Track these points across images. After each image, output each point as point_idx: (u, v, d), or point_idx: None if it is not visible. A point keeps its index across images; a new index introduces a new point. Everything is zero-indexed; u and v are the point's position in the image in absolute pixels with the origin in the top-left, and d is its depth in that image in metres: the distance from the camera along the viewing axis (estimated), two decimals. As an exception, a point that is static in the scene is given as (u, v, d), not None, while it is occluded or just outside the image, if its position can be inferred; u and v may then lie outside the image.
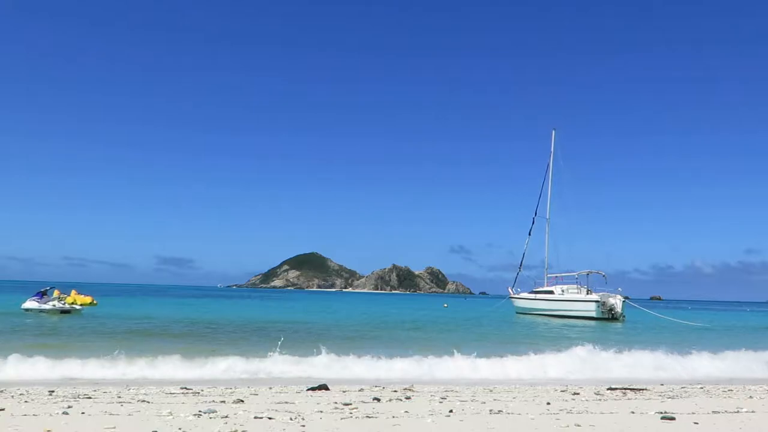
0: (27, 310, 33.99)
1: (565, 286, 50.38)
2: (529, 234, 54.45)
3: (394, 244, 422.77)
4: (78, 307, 34.26)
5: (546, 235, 54.48)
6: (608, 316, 46.18)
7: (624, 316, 46.52)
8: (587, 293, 48.21)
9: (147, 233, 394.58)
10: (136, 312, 40.56)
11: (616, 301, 46.89)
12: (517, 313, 52.65)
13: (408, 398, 10.21)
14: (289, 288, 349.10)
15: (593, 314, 45.90)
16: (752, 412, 9.03)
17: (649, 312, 48.42)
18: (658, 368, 17.04)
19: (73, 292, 48.27)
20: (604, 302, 46.69)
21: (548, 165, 54.71)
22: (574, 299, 48.19)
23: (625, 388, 12.32)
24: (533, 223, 54.37)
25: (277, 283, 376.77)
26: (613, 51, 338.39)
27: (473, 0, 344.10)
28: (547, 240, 54.41)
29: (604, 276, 49.11)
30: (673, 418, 8.12)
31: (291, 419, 7.65)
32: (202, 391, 11.06)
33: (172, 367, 14.63)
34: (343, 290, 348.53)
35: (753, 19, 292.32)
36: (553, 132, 55.44)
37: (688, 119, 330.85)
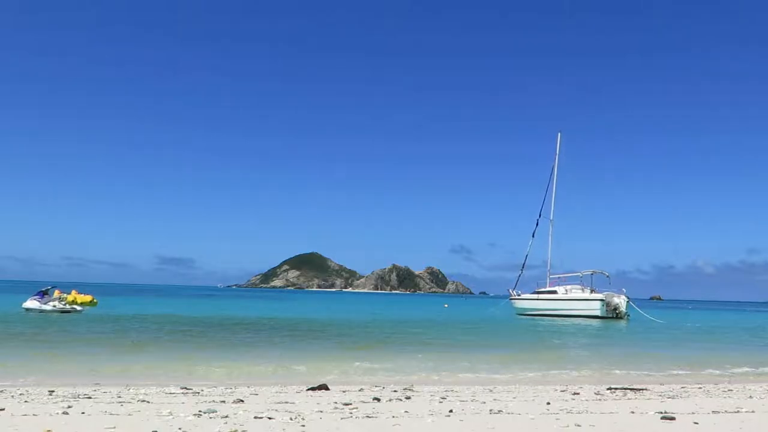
0: (28, 309, 33.98)
1: (568, 286, 50.29)
2: (533, 236, 54.28)
3: (394, 244, 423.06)
4: (79, 308, 34.22)
5: (549, 236, 54.37)
6: (612, 315, 46.12)
7: (629, 316, 46.50)
8: (591, 293, 48.16)
9: (147, 233, 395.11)
10: (139, 312, 40.51)
11: (621, 301, 46.84)
12: (517, 314, 52.55)
13: (408, 398, 10.21)
14: (289, 288, 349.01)
15: (597, 313, 45.84)
16: (752, 412, 9.02)
17: (640, 312, 48.34)
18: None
19: (74, 291, 48.30)
20: (608, 302, 46.63)
21: (553, 167, 54.59)
22: (578, 298, 48.13)
23: (625, 388, 12.32)
24: (537, 225, 54.19)
25: (277, 283, 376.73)
26: (616, 52, 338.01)
27: (477, 2, 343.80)
28: (551, 241, 54.32)
29: (607, 276, 49.10)
30: (673, 418, 8.11)
31: (291, 419, 7.65)
32: (202, 391, 11.06)
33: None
34: (343, 290, 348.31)
35: (754, 19, 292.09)
36: (559, 134, 55.28)
37: (690, 119, 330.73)
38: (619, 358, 19.99)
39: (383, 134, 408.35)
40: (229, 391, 11.19)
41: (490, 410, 8.74)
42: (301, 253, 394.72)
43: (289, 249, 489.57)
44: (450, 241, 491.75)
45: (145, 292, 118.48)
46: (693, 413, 8.67)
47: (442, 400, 10.01)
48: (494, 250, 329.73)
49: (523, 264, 55.12)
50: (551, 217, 54.09)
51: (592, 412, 8.62)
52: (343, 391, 11.29)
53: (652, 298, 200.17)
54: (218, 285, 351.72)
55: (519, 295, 54.39)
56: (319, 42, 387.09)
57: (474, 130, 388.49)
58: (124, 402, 9.19)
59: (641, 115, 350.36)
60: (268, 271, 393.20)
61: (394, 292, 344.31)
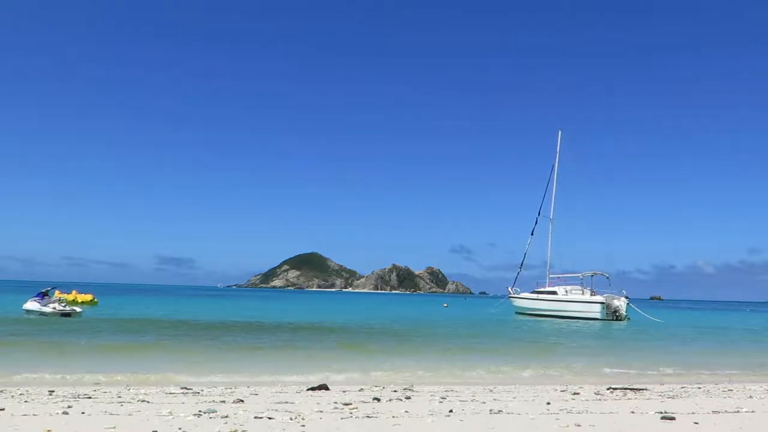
0: (28, 311, 33.95)
1: (568, 287, 50.18)
2: (532, 234, 54.20)
3: (394, 244, 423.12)
4: (78, 309, 34.18)
5: (549, 236, 54.26)
6: (612, 317, 46.06)
7: (629, 318, 46.45)
8: (591, 295, 48.09)
9: (147, 233, 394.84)
10: (139, 312, 40.50)
11: (621, 303, 46.78)
12: (516, 313, 52.51)
13: (408, 398, 10.21)
14: (289, 288, 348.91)
15: (597, 315, 45.78)
16: (752, 412, 9.03)
17: (641, 312, 48.32)
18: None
19: (74, 291, 48.31)
20: (608, 304, 46.57)
21: (553, 166, 54.51)
22: (578, 300, 48.02)
23: (625, 388, 12.32)
24: (536, 223, 54.12)
25: (277, 283, 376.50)
26: (612, 52, 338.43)
27: (478, 2, 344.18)
28: (550, 240, 54.21)
29: (607, 277, 48.98)
30: (673, 418, 8.12)
31: (291, 419, 7.65)
32: (202, 391, 11.06)
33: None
34: (343, 290, 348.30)
35: (754, 19, 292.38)
36: (560, 132, 55.16)
37: (690, 119, 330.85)
38: (619, 358, 19.99)
39: (383, 134, 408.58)
40: (229, 391, 11.19)
41: (490, 410, 8.75)
42: (301, 253, 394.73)
43: (289, 249, 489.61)
44: (450, 241, 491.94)
45: (145, 292, 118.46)
46: (693, 413, 8.67)
47: (442, 400, 10.02)
48: (494, 250, 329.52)
49: (522, 262, 55.04)
50: (551, 216, 54.04)
51: (592, 412, 8.62)
52: (343, 391, 11.29)
53: (652, 298, 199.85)
54: (218, 285, 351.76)
55: (518, 294, 54.34)
56: (319, 42, 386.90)
57: (474, 130, 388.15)
58: (124, 402, 9.19)
59: (641, 115, 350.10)
60: (268, 271, 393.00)
61: (394, 292, 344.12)
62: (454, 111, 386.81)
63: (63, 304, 34.10)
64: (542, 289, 52.19)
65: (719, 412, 8.91)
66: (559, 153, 54.51)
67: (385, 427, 7.32)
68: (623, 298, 47.34)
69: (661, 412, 8.60)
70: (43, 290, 36.17)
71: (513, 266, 56.98)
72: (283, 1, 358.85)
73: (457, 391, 11.55)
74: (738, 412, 8.98)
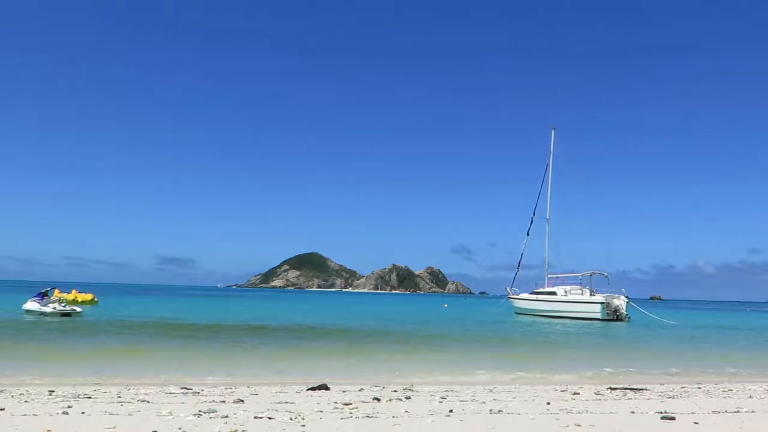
0: (28, 311, 33.94)
1: (567, 287, 50.08)
2: (528, 234, 54.13)
3: (394, 244, 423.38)
4: (78, 309, 34.16)
5: (546, 235, 54.20)
6: (613, 317, 46.02)
7: (629, 317, 46.42)
8: (591, 294, 48.01)
9: (147, 233, 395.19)
10: (139, 312, 40.48)
11: (621, 302, 46.72)
12: (516, 313, 52.47)
13: (408, 398, 10.21)
14: (289, 288, 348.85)
15: (598, 315, 45.73)
16: (752, 412, 9.03)
17: (646, 313, 48.32)
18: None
19: (74, 291, 48.27)
20: (608, 303, 46.52)
21: (547, 164, 54.48)
22: (578, 300, 47.92)
23: (625, 388, 12.33)
24: (531, 222, 54.06)
25: (277, 283, 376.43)
26: (613, 52, 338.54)
27: (477, 2, 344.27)
28: (548, 240, 54.14)
29: (607, 276, 48.88)
30: (673, 418, 8.12)
31: (291, 419, 7.65)
32: (202, 391, 11.06)
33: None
34: (343, 290, 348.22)
35: (755, 19, 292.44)
36: (553, 131, 55.09)
37: (689, 119, 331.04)
38: (618, 358, 19.99)
39: (383, 134, 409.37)
40: (229, 391, 11.19)
41: (490, 410, 8.74)
42: (301, 253, 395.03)
43: (289, 249, 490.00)
44: (450, 241, 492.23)
45: (145, 292, 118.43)
46: (693, 413, 8.67)
47: (442, 400, 10.01)
48: (494, 250, 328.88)
49: (519, 262, 54.96)
50: (547, 216, 53.92)
51: (592, 412, 8.62)
52: (343, 391, 11.29)
53: (652, 298, 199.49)
54: (218, 285, 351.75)
55: (516, 294, 54.28)
56: (319, 42, 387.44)
57: (474, 130, 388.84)
58: (124, 402, 9.19)
59: (642, 115, 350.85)
60: (268, 271, 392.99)
61: (394, 292, 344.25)
62: (454, 111, 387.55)
63: (63, 304, 34.07)
64: (541, 290, 52.09)
65: (719, 412, 8.91)
66: (553, 152, 54.50)
67: (385, 427, 7.32)
68: (623, 298, 47.27)
69: (661, 412, 8.60)
70: (43, 290, 36.12)
71: (513, 266, 56.79)
72: (283, 1, 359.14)
73: (457, 391, 11.55)
74: (738, 412, 8.98)
